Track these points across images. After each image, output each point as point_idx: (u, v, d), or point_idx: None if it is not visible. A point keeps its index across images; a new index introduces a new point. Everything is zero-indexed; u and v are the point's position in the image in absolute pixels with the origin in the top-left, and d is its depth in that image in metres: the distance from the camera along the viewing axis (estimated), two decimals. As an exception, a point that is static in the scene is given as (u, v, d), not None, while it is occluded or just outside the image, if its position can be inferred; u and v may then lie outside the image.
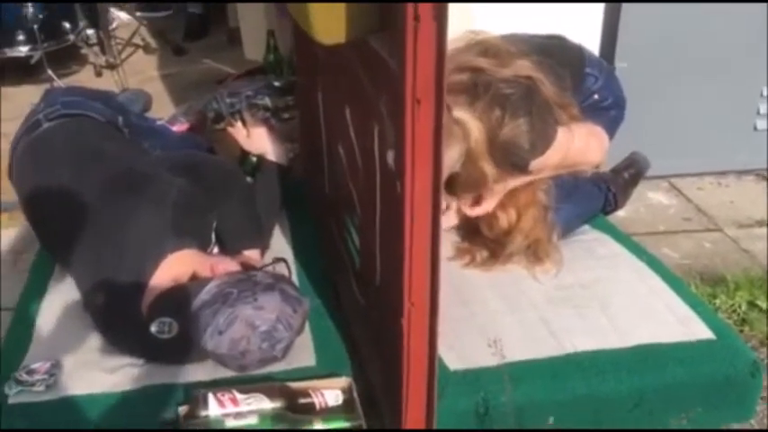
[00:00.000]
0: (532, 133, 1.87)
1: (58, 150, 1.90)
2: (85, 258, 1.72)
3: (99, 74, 3.72)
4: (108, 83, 3.54)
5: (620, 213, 2.56)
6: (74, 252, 1.75)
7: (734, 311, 2.07)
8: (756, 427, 1.76)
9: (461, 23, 2.29)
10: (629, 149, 2.55)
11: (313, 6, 1.32)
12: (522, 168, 1.91)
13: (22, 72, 3.53)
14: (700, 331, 1.72)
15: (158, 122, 2.81)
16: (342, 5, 1.30)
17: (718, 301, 2.08)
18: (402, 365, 1.38)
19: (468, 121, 1.83)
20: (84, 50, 3.82)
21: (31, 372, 1.59)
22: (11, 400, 1.54)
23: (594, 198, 2.26)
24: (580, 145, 1.99)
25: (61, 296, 1.85)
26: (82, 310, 1.76)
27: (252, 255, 1.91)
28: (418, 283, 1.31)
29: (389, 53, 1.26)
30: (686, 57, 2.69)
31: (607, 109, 2.16)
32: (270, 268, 1.71)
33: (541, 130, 1.89)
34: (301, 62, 2.42)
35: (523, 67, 1.96)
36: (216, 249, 1.88)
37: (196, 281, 1.60)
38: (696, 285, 2.13)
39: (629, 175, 2.38)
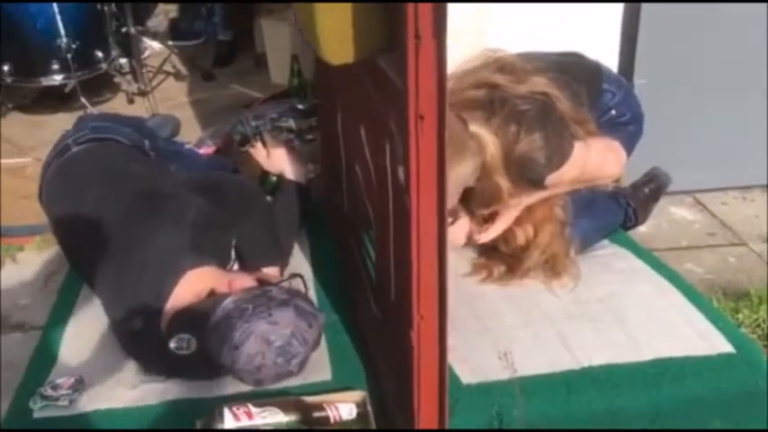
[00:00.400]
0: (548, 148, 1.88)
1: (85, 173, 1.96)
2: (109, 279, 1.77)
3: (131, 101, 3.83)
4: (140, 109, 3.65)
5: (642, 229, 2.55)
6: (98, 272, 1.81)
7: (758, 326, 2.04)
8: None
9: (476, 43, 2.33)
10: (652, 165, 2.55)
11: (321, 26, 1.36)
12: (537, 183, 1.93)
13: (57, 100, 3.65)
14: (720, 345, 1.70)
15: (186, 146, 2.88)
16: (350, 25, 1.33)
17: (741, 316, 2.06)
18: (413, 378, 1.40)
19: (483, 135, 1.85)
20: (118, 79, 3.94)
21: (55, 387, 1.64)
22: (36, 415, 1.59)
23: (613, 213, 2.26)
24: (597, 159, 2.00)
25: (87, 315, 1.90)
26: (107, 328, 1.81)
27: (271, 272, 1.94)
28: (426, 296, 1.33)
29: (396, 72, 1.30)
30: (708, 71, 2.68)
31: (625, 124, 2.16)
32: (286, 284, 1.74)
33: (557, 145, 1.90)
34: (321, 84, 2.47)
35: (539, 83, 1.98)
36: (236, 266, 1.92)
37: (214, 297, 1.64)
38: (719, 300, 2.11)
39: (649, 190, 2.38)
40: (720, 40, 2.62)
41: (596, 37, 2.55)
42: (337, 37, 1.36)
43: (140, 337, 1.67)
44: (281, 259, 2.00)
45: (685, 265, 2.38)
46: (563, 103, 1.97)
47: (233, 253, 1.90)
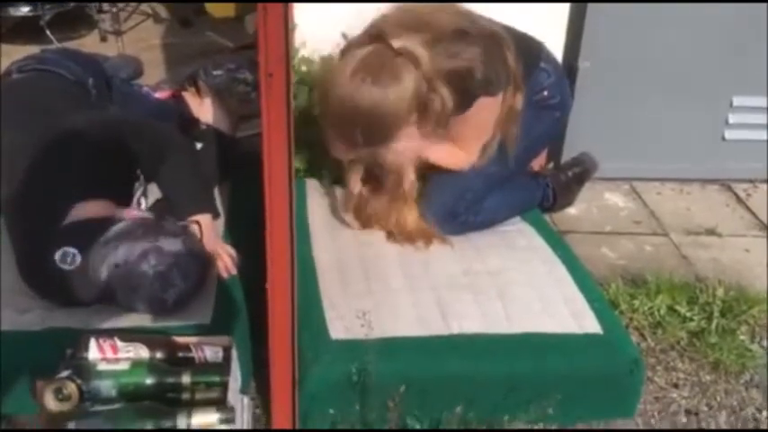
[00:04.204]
0: (486, 69, 1.88)
1: (15, 100, 2.00)
2: (14, 214, 1.83)
3: (104, 39, 3.87)
4: (111, 48, 3.69)
5: (572, 211, 2.59)
6: (7, 201, 1.87)
7: (651, 314, 2.07)
8: (642, 426, 1.78)
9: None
10: (592, 149, 2.57)
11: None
12: (465, 103, 1.90)
13: (32, 32, 3.70)
14: (589, 325, 1.75)
15: (144, 89, 2.91)
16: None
17: (636, 303, 2.09)
18: (268, 324, 1.46)
19: (413, 48, 1.83)
20: (96, 16, 3.98)
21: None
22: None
23: (529, 190, 2.29)
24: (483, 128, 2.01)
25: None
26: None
27: (202, 219, 1.91)
28: (280, 249, 1.38)
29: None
30: (657, 60, 2.67)
31: (553, 108, 2.18)
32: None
33: (494, 70, 1.90)
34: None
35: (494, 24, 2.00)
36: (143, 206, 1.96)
37: (109, 217, 1.68)
38: (617, 286, 2.14)
39: (572, 173, 2.40)
40: (670, 27, 2.60)
41: (543, 18, 2.55)
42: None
43: (31, 261, 1.73)
44: (212, 207, 1.99)
45: (601, 250, 2.41)
46: (511, 51, 1.97)
47: (141, 199, 1.94)
